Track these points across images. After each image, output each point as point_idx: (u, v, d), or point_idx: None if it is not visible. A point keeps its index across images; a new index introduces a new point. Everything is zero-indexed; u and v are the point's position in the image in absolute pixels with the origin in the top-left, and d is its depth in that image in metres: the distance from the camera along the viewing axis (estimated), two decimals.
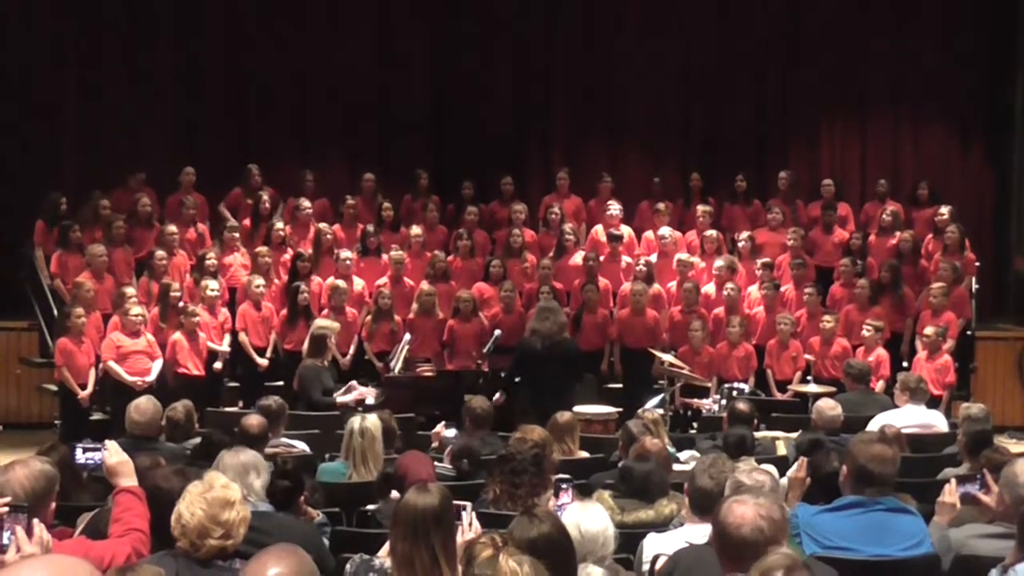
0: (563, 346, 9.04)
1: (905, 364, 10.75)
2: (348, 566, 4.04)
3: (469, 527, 4.05)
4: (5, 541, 3.57)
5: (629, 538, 4.81)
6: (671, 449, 7.01)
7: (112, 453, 4.38)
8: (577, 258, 11.82)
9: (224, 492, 3.96)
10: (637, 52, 14.03)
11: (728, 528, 3.43)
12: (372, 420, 6.68)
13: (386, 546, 4.12)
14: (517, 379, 9.30)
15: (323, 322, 10.08)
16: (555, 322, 8.97)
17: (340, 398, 9.32)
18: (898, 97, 14.14)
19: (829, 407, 7.55)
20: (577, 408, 8.86)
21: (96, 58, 13.38)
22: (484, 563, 3.20)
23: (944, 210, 12.12)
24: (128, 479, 4.30)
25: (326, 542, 5.18)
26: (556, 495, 5.17)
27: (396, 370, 10.20)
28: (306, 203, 12.19)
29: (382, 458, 6.51)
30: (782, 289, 11.48)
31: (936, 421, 8.46)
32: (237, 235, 11.65)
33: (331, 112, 13.84)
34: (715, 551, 3.57)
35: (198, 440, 6.86)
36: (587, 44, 14.20)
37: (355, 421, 6.62)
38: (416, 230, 11.97)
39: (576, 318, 10.99)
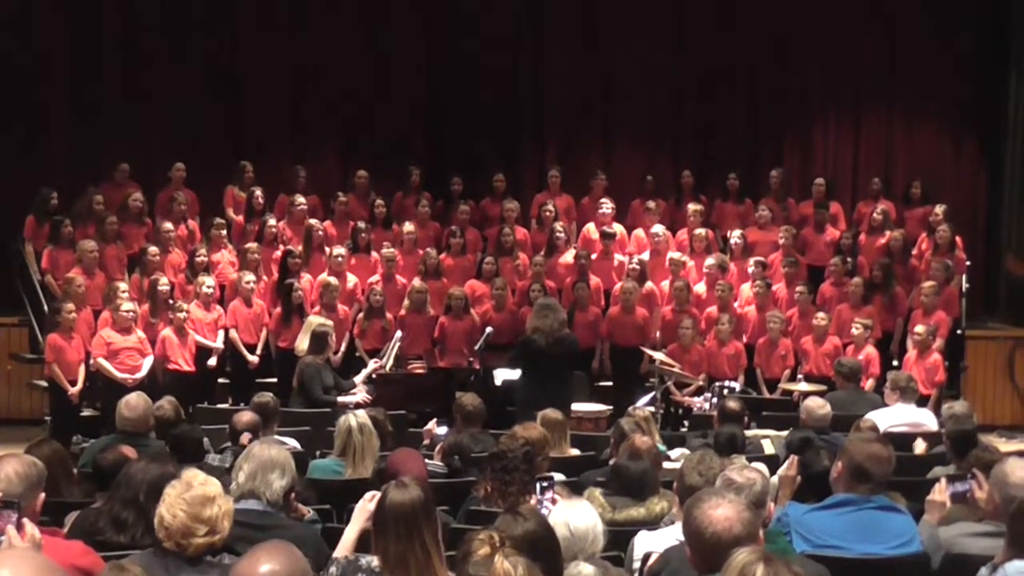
0: (565, 342, 9.07)
1: (896, 363, 10.78)
2: (333, 568, 3.99)
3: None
4: None
5: (620, 536, 4.81)
6: (661, 447, 7.01)
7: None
8: (568, 256, 11.84)
9: (203, 489, 3.94)
10: (630, 50, 14.03)
11: (721, 534, 3.42)
12: (365, 416, 6.67)
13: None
14: (514, 368, 9.32)
15: (319, 319, 10.06)
16: (556, 319, 8.99)
17: (342, 399, 9.33)
18: (891, 96, 14.16)
19: (818, 406, 7.55)
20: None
21: (89, 54, 13.33)
22: (479, 562, 3.20)
23: (938, 209, 12.14)
24: None
25: None
26: (541, 493, 5.16)
27: (387, 367, 10.20)
28: (301, 199, 12.17)
29: (378, 454, 6.51)
30: (773, 288, 11.50)
31: (926, 420, 8.48)
32: (224, 232, 11.64)
33: (324, 109, 13.81)
34: (694, 556, 3.54)
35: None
36: (581, 42, 14.18)
37: (351, 418, 6.60)
38: (408, 227, 11.97)
39: (567, 316, 10.99)
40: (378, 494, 4.10)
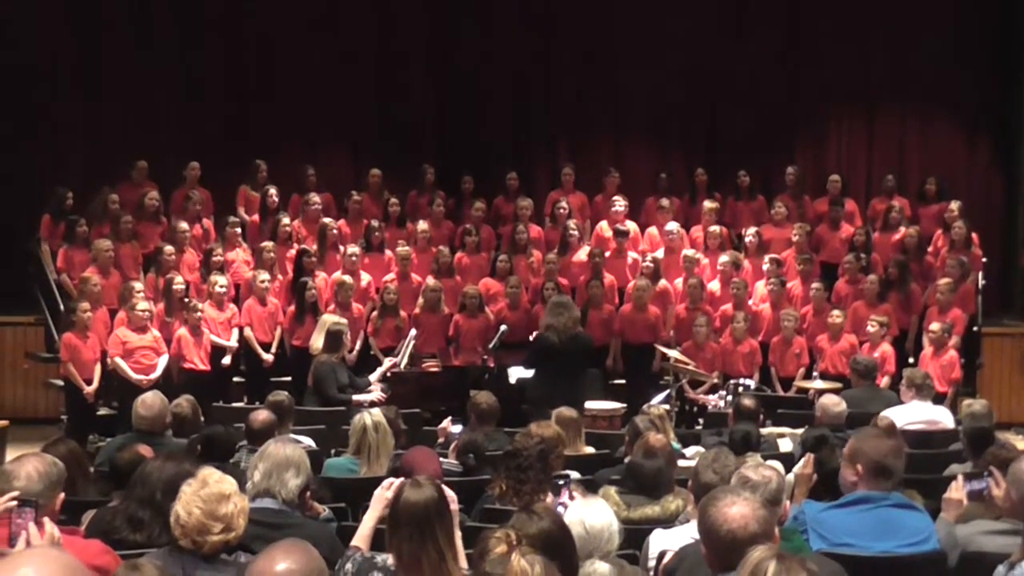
0: (579, 340, 9.09)
1: (912, 360, 10.75)
2: (349, 564, 4.00)
3: None
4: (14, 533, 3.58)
5: (635, 534, 4.81)
6: (676, 445, 7.00)
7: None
8: (581, 254, 11.84)
9: (219, 487, 3.96)
10: (642, 47, 14.00)
11: (736, 532, 3.42)
12: (380, 415, 6.68)
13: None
14: (530, 370, 9.33)
15: (334, 318, 10.07)
16: (570, 317, 9.03)
17: (357, 397, 9.34)
18: (905, 94, 14.12)
19: (834, 403, 7.54)
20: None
21: (99, 53, 13.38)
22: (496, 560, 3.19)
23: (954, 206, 12.11)
24: None
25: None
26: (556, 493, 5.16)
27: (402, 366, 10.21)
28: (315, 198, 12.17)
29: (393, 452, 6.52)
30: (788, 285, 11.46)
31: (942, 417, 8.45)
32: (239, 231, 11.67)
33: (335, 108, 13.82)
34: (709, 554, 3.54)
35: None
36: (592, 39, 14.16)
37: (366, 417, 6.60)
38: (422, 225, 11.99)
39: (581, 314, 10.99)
40: (396, 482, 4.10)
